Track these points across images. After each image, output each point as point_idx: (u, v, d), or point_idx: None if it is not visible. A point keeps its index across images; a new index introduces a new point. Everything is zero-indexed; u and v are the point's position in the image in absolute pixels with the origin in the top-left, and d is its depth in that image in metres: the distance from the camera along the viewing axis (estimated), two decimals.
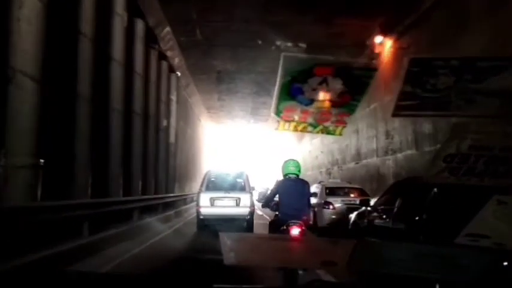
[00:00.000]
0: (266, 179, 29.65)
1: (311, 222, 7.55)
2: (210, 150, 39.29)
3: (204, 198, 10.39)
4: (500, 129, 2.26)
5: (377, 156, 15.01)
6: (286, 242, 2.32)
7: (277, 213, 5.21)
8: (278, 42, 13.20)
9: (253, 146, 47.33)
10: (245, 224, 10.22)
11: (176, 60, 17.23)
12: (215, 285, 1.41)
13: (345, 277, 1.56)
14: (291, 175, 5.07)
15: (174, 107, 17.76)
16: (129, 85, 11.21)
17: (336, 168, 20.72)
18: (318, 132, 2.92)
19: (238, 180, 11.31)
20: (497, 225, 1.93)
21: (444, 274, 1.40)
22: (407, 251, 1.59)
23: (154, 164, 14.56)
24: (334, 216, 10.31)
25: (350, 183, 13.54)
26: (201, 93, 23.97)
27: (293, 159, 5.42)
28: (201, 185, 11.13)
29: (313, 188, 10.69)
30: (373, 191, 12.20)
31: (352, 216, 8.05)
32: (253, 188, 11.67)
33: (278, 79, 2.48)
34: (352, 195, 11.01)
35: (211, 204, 10.28)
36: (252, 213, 10.51)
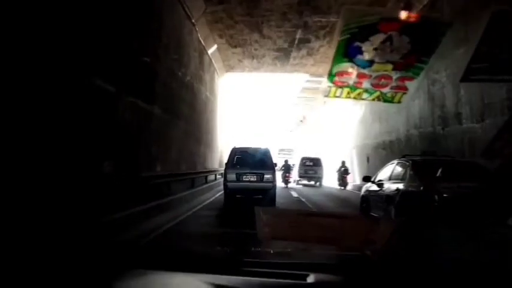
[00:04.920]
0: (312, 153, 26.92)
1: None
2: (224, 103, 22.66)
3: (231, 174, 11.11)
4: None
5: None
6: (326, 218, 1.90)
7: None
8: None
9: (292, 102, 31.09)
10: (268, 196, 10.70)
11: None
12: (246, 259, 1.50)
13: (383, 257, 1.48)
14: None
15: None
16: None
17: None
18: (373, 99, 2.55)
19: (262, 157, 11.74)
20: None
21: (495, 256, 1.43)
22: (454, 235, 1.66)
23: None
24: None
25: (453, 157, 7.94)
26: None
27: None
28: (228, 162, 11.67)
29: (387, 169, 7.95)
30: None
31: None
32: (275, 165, 12.17)
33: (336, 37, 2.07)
34: (466, 177, 6.12)
35: (237, 180, 11.02)
36: (274, 187, 11.15)
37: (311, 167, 23.35)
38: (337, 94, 2.43)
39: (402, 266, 1.48)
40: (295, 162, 26.25)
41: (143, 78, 8.53)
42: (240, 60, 20.46)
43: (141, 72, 8.35)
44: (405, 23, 2.02)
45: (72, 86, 5.46)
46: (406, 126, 14.02)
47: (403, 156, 7.89)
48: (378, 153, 16.64)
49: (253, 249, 1.61)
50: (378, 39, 2.06)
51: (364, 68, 2.24)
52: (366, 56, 2.15)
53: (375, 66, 2.23)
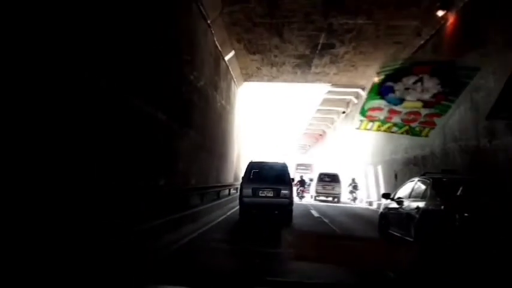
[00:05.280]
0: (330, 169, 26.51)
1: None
2: (241, 113, 21.51)
3: (247, 189, 10.74)
4: None
5: None
6: (349, 241, 2.16)
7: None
8: None
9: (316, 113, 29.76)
10: (284, 213, 10.50)
11: None
12: (269, 278, 1.55)
13: (406, 280, 1.55)
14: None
15: None
16: None
17: None
18: (402, 133, 3.03)
19: (279, 172, 11.39)
20: None
21: None
22: (475, 255, 1.85)
23: None
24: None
25: (469, 175, 8.72)
26: None
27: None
28: (244, 176, 11.30)
29: (407, 186, 7.75)
30: None
31: None
32: (292, 180, 11.85)
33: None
34: (487, 196, 5.95)
35: (253, 195, 10.64)
36: (291, 203, 10.76)
37: (329, 183, 22.86)
38: (368, 127, 2.84)
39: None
40: (313, 177, 25.15)
41: (143, 75, 7.37)
42: (258, 68, 19.34)
43: (139, 66, 7.20)
44: (436, 66, 2.39)
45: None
46: (443, 139, 12.47)
47: (423, 174, 7.78)
48: (409, 170, 15.07)
49: (275, 268, 1.80)
50: (410, 80, 2.40)
51: (395, 105, 2.73)
52: (398, 95, 2.50)
53: (405, 104, 2.72)
